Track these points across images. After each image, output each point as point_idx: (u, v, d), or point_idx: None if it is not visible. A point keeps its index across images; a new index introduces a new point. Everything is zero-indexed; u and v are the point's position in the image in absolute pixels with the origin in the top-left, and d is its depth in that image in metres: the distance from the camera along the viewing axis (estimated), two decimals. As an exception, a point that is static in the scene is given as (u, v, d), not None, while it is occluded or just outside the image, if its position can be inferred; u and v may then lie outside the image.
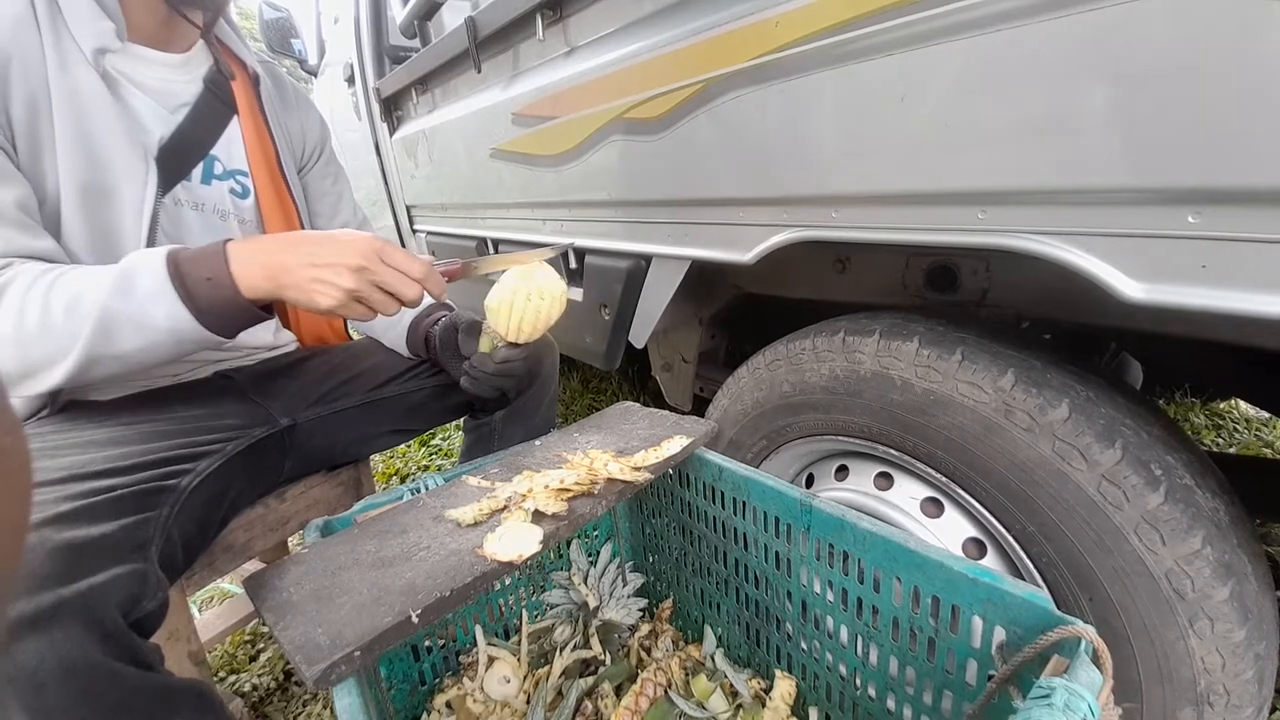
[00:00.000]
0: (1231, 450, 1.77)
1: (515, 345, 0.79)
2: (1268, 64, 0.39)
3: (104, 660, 0.45)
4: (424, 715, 0.78)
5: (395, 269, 0.64)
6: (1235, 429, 1.86)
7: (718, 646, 0.86)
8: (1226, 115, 0.41)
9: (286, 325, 0.96)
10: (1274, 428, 1.87)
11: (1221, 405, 1.94)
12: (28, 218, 0.64)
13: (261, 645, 1.26)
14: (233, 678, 1.16)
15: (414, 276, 0.65)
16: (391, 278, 0.63)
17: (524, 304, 0.74)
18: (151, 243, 0.72)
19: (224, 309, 0.61)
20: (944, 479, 0.71)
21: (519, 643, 0.85)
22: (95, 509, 0.53)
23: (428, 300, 0.98)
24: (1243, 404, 1.95)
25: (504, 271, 0.77)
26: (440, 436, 2.22)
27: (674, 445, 0.74)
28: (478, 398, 0.97)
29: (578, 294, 1.24)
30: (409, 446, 2.19)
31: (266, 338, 0.91)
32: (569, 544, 0.93)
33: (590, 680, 0.80)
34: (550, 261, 0.78)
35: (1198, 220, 0.44)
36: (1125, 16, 0.44)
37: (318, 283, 0.61)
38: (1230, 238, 0.43)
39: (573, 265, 1.30)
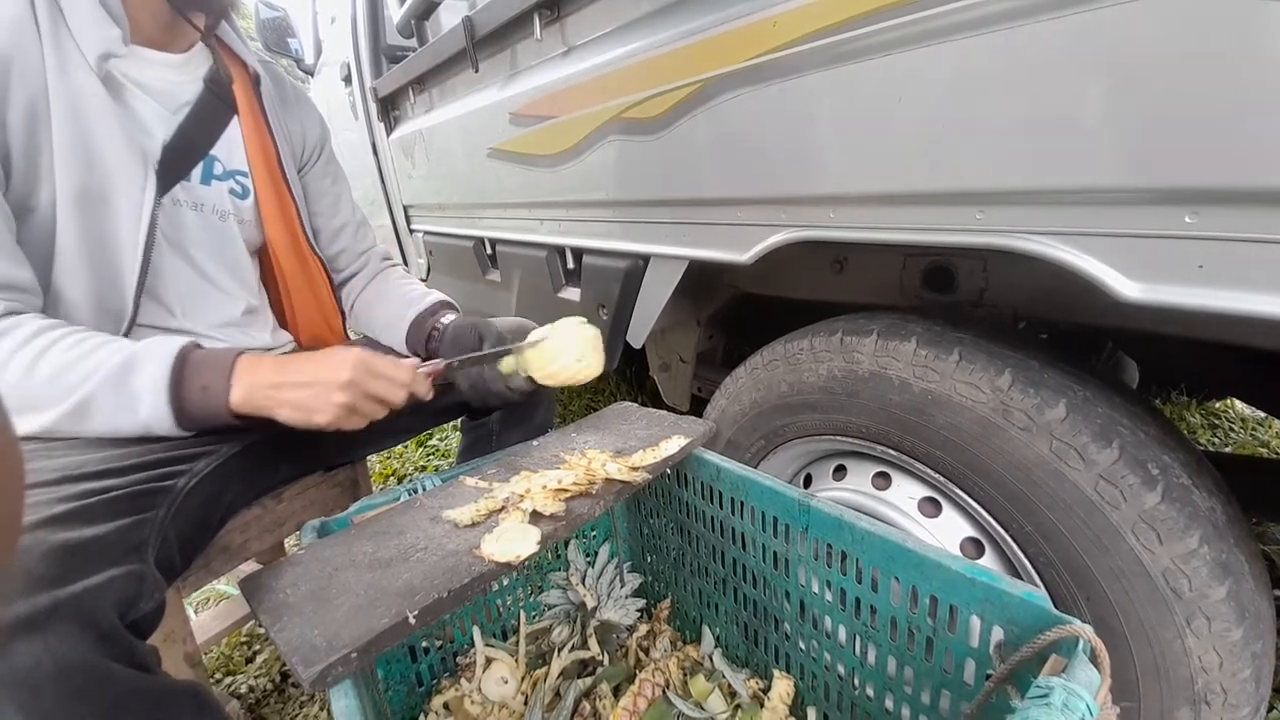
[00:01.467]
0: (1227, 450, 1.78)
1: (533, 381, 0.82)
2: (1265, 63, 0.39)
3: (100, 662, 0.45)
4: (421, 716, 0.77)
5: (383, 377, 0.67)
6: (1231, 428, 1.87)
7: (716, 646, 0.86)
8: (1224, 115, 0.41)
9: (285, 326, 0.96)
10: (1269, 427, 1.87)
11: (1217, 405, 1.94)
12: (13, 244, 0.64)
13: (258, 647, 1.25)
14: (229, 679, 1.16)
15: (400, 382, 0.68)
16: (379, 387, 0.67)
17: (570, 367, 0.78)
18: (149, 248, 0.72)
19: (205, 416, 0.64)
20: (942, 479, 0.71)
21: (517, 643, 0.84)
22: (91, 510, 0.53)
23: (434, 296, 0.99)
24: (1239, 403, 1.96)
25: (505, 351, 0.80)
26: (438, 437, 2.22)
27: (672, 445, 0.74)
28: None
29: (575, 294, 1.24)
30: (406, 447, 2.18)
31: (264, 339, 0.91)
32: (567, 544, 0.92)
33: (588, 681, 0.80)
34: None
35: (1195, 220, 0.44)
36: (1122, 16, 0.44)
37: (313, 401, 0.64)
38: (1227, 238, 0.43)
39: (570, 265, 1.30)
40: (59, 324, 0.64)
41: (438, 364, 0.74)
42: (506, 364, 0.82)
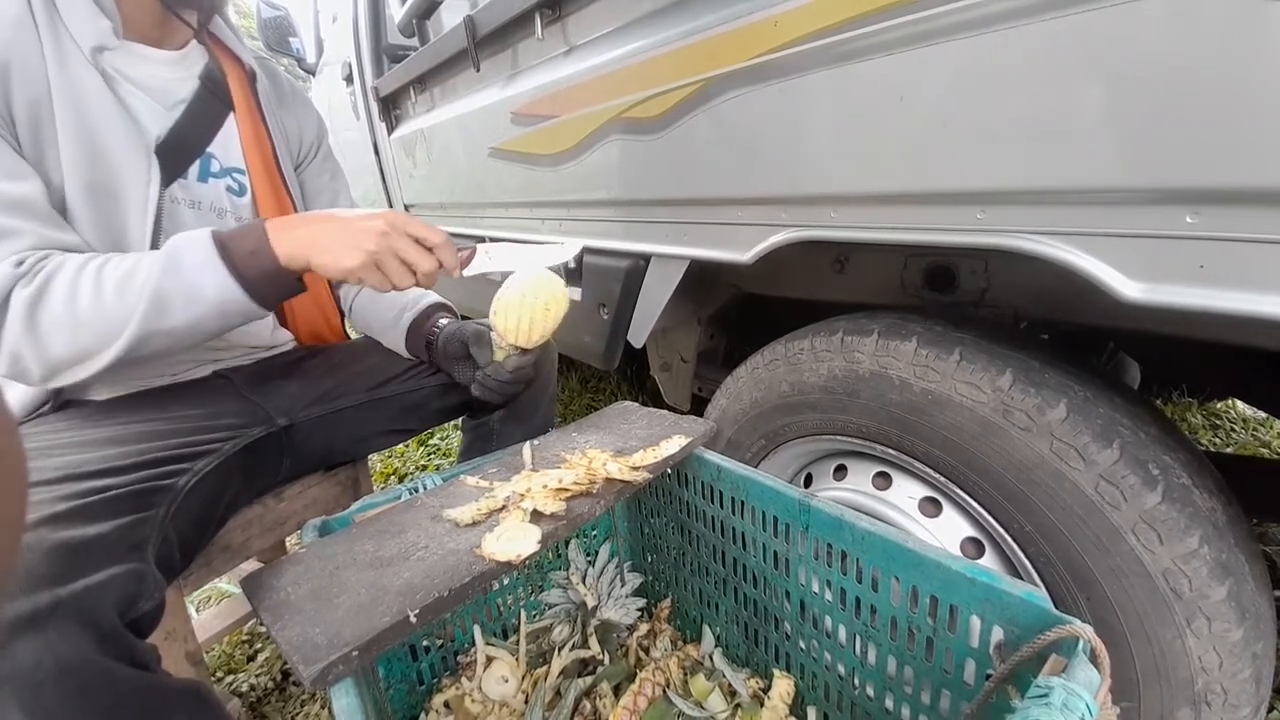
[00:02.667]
0: (1228, 450, 1.78)
1: (525, 351, 0.81)
2: (1266, 64, 0.39)
3: (101, 660, 0.45)
4: (422, 715, 0.77)
5: (414, 237, 0.68)
6: (1232, 429, 1.87)
7: (716, 646, 0.86)
8: (1225, 115, 0.41)
9: (284, 324, 0.96)
10: (1271, 427, 1.87)
11: (1218, 405, 1.94)
12: (53, 211, 0.66)
13: (259, 645, 1.25)
14: (230, 678, 1.16)
15: (432, 243, 0.69)
16: (409, 246, 0.67)
17: (534, 312, 0.76)
18: (156, 240, 0.73)
19: (266, 279, 0.65)
20: (942, 479, 0.71)
21: (517, 642, 0.84)
22: (92, 509, 0.53)
23: (428, 298, 0.99)
24: (1240, 404, 1.96)
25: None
26: (439, 436, 2.22)
27: (672, 445, 0.74)
28: (478, 398, 0.97)
29: (576, 294, 1.24)
30: (407, 446, 2.18)
31: (264, 336, 0.91)
32: (567, 544, 0.93)
33: (588, 680, 0.80)
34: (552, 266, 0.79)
35: (1196, 220, 0.44)
36: (1123, 16, 0.44)
37: (343, 244, 0.65)
38: (1228, 238, 0.43)
39: (571, 265, 1.30)
40: (96, 254, 0.65)
41: (470, 248, 0.75)
42: (497, 354, 0.82)
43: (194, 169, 0.80)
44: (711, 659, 0.84)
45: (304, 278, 0.69)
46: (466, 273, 0.75)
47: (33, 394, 0.73)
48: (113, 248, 0.70)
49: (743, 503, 0.74)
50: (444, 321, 0.94)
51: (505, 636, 0.87)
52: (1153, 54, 0.43)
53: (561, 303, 0.78)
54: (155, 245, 0.73)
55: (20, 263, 0.61)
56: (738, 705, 0.76)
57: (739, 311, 1.26)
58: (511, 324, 0.76)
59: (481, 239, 1.65)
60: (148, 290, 0.61)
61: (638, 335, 1.10)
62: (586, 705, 0.77)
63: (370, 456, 1.07)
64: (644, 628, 0.91)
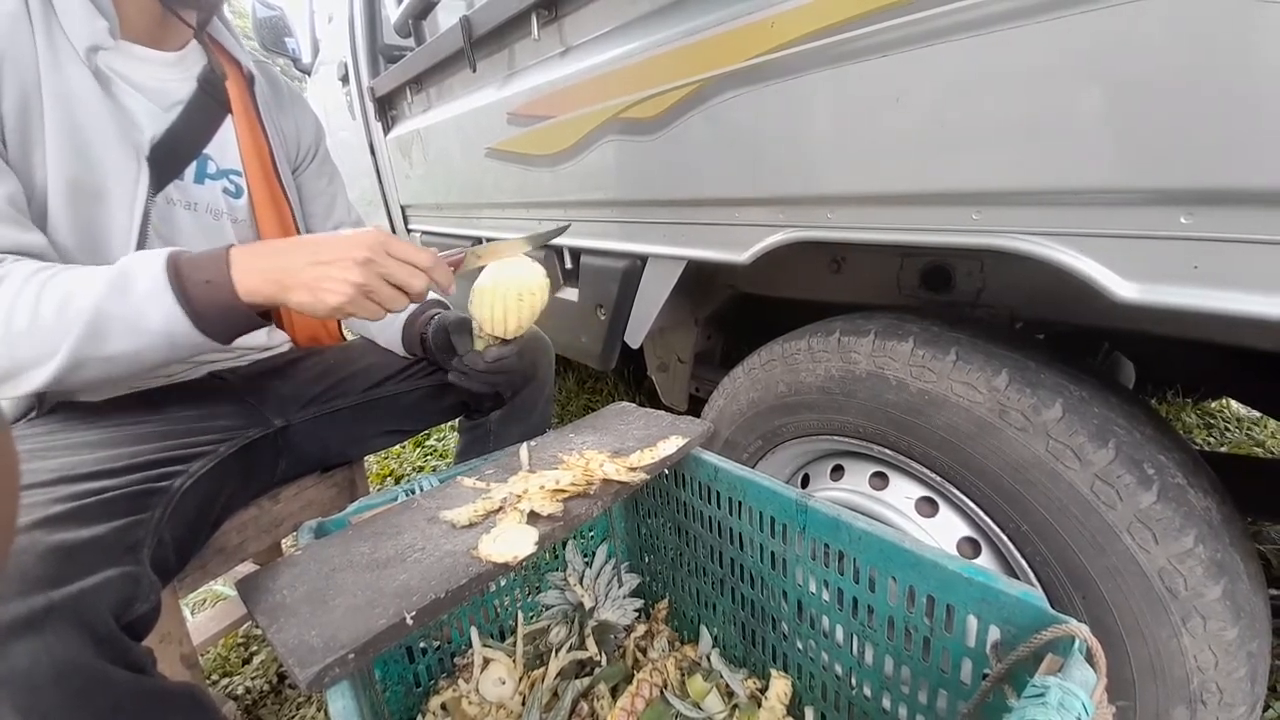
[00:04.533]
0: (1223, 449, 1.79)
1: (506, 341, 0.79)
2: (1260, 65, 0.39)
3: (96, 663, 0.45)
4: (419, 717, 0.77)
5: (401, 260, 0.63)
6: (1227, 428, 1.88)
7: (713, 646, 0.86)
8: (1219, 116, 0.41)
9: (280, 325, 0.96)
10: (1265, 426, 1.88)
11: (1213, 405, 1.95)
12: (17, 212, 0.63)
13: (255, 648, 1.25)
14: (226, 681, 1.15)
15: (421, 266, 0.64)
16: (398, 269, 0.62)
17: (506, 301, 0.74)
18: (142, 243, 0.72)
19: (221, 313, 0.60)
20: (939, 479, 0.72)
21: (514, 644, 0.84)
22: (86, 511, 0.53)
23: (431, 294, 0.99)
24: (1234, 403, 1.97)
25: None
26: (435, 437, 2.22)
27: (670, 446, 0.74)
28: (474, 397, 0.97)
29: (573, 294, 1.24)
30: (404, 447, 2.18)
31: (260, 338, 0.91)
32: (564, 545, 0.92)
33: (586, 681, 0.80)
34: (536, 256, 0.78)
35: (1190, 221, 0.45)
36: (1119, 18, 0.44)
37: (324, 280, 0.59)
38: (1222, 238, 0.43)
39: (568, 265, 1.30)
40: (50, 265, 0.60)
41: (458, 252, 0.71)
42: (477, 342, 0.81)
43: (190, 171, 0.80)
44: (709, 659, 0.84)
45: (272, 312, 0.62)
46: (457, 275, 0.74)
47: (26, 396, 0.72)
48: (91, 248, 0.69)
49: (740, 503, 0.75)
50: (438, 316, 0.94)
51: (502, 638, 0.87)
52: (1147, 55, 0.44)
53: (538, 292, 0.75)
54: (141, 247, 0.72)
55: None
56: (735, 706, 0.76)
57: (736, 312, 1.26)
58: (486, 313, 0.75)
59: (478, 240, 1.65)
60: (86, 313, 0.56)
61: (635, 336, 1.10)
62: (584, 706, 0.77)
63: (367, 458, 1.07)
64: (641, 628, 0.91)
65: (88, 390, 0.73)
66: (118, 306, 0.57)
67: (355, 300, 0.60)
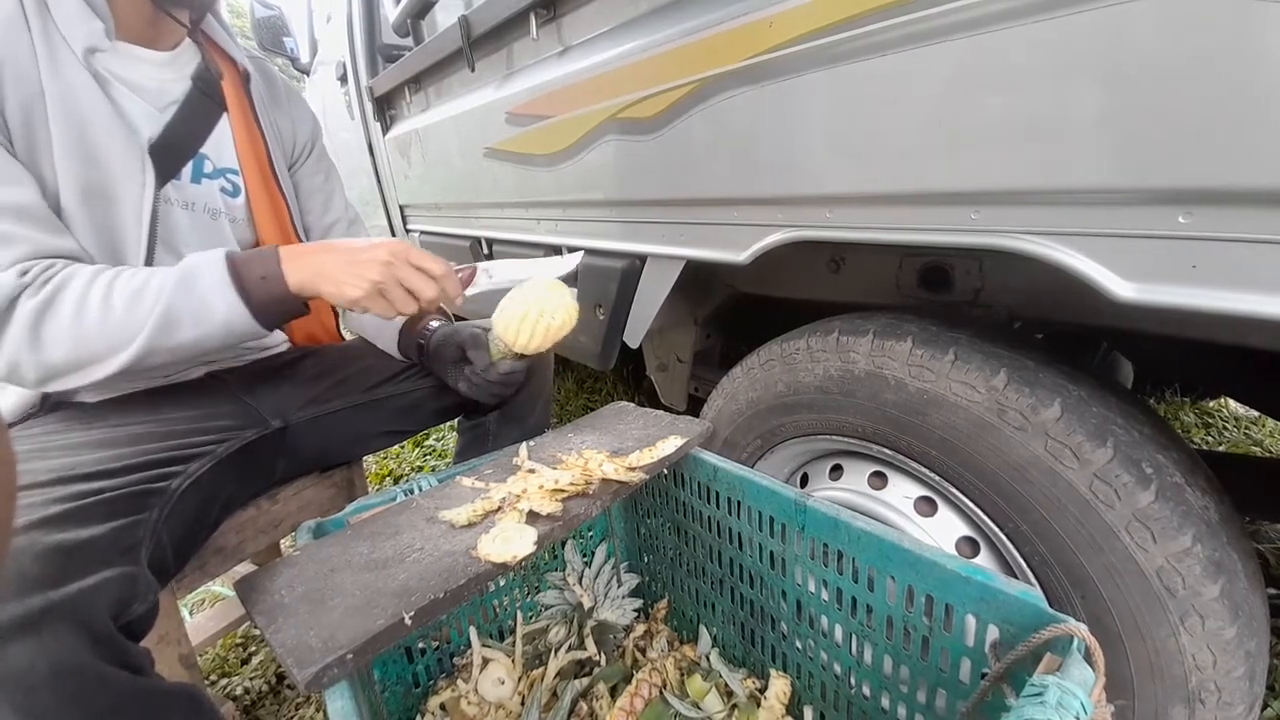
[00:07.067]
0: (1221, 448, 1.79)
1: (521, 357, 0.80)
2: (1259, 64, 0.39)
3: (94, 664, 0.45)
4: (418, 718, 0.77)
5: (417, 267, 0.69)
6: (1224, 427, 1.88)
7: (713, 646, 0.86)
8: (1218, 115, 0.41)
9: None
10: (1263, 426, 1.88)
11: (1211, 404, 1.96)
12: (49, 216, 0.66)
13: (253, 648, 1.25)
14: (224, 681, 1.15)
15: (434, 274, 0.70)
16: (413, 275, 0.69)
17: (536, 321, 0.75)
18: (151, 242, 0.73)
19: (274, 304, 0.67)
20: (937, 478, 0.72)
21: (513, 644, 0.84)
22: (84, 511, 0.53)
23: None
24: (1232, 403, 1.97)
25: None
26: (434, 437, 2.22)
27: (669, 445, 0.74)
28: (472, 398, 0.97)
29: (572, 293, 1.24)
30: (402, 447, 2.18)
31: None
32: (564, 545, 0.92)
33: (585, 681, 0.80)
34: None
35: (1188, 220, 0.45)
36: (1117, 17, 0.44)
37: (349, 275, 0.67)
38: (1221, 238, 0.43)
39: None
40: (105, 266, 0.66)
41: (470, 268, 0.76)
42: (493, 353, 0.81)
43: (187, 170, 0.79)
44: (708, 659, 0.84)
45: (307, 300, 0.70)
46: (468, 292, 0.76)
47: (23, 396, 0.72)
48: (108, 250, 0.70)
49: (739, 503, 0.75)
50: (435, 324, 0.94)
51: (501, 638, 0.87)
52: (1145, 55, 0.44)
53: (565, 321, 0.76)
54: (150, 247, 0.72)
55: (25, 271, 0.61)
56: (734, 705, 0.76)
57: (735, 312, 1.26)
58: (511, 332, 0.75)
59: (477, 240, 1.65)
60: (159, 307, 0.63)
61: (634, 335, 1.10)
62: (583, 707, 0.77)
63: (365, 458, 1.07)
64: (640, 628, 0.91)
65: (98, 388, 0.74)
66: (186, 300, 0.64)
67: (371, 296, 0.67)
